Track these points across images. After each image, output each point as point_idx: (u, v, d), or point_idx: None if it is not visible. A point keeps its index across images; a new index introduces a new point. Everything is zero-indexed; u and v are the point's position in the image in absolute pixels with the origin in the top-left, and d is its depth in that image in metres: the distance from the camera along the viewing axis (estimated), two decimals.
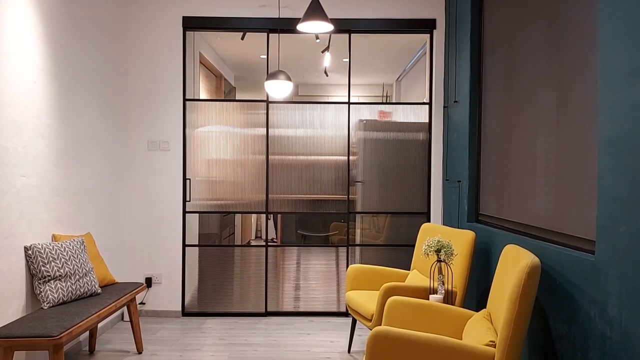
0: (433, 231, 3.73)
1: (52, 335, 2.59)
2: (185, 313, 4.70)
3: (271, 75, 4.38)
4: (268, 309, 4.71)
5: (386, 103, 4.76)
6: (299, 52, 4.78)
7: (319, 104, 4.73)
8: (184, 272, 4.67)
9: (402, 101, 4.87)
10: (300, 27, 3.56)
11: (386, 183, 4.73)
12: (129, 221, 4.58)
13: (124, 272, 4.55)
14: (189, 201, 4.68)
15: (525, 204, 3.01)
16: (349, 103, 4.72)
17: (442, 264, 3.16)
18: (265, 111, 4.71)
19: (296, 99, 4.77)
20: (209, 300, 4.79)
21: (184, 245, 4.67)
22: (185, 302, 4.74)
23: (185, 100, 4.66)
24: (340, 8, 4.59)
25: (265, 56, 4.75)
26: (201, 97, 5.10)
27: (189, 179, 4.68)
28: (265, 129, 4.70)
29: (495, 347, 2.21)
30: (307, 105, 4.72)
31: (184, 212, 4.65)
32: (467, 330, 2.60)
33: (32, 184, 3.10)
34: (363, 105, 4.74)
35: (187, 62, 4.74)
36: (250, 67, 6.97)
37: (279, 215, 4.78)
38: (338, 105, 4.72)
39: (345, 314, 4.69)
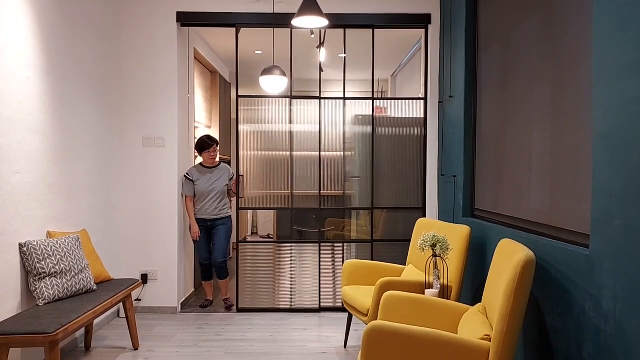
0: (429, 226, 3.74)
1: (48, 332, 2.58)
2: (181, 309, 4.70)
3: (266, 71, 4.38)
4: (265, 305, 4.71)
5: (381, 99, 4.75)
6: (294, 48, 4.76)
7: (314, 100, 4.71)
8: (179, 268, 4.66)
9: (397, 96, 4.86)
10: (294, 22, 3.55)
11: (382, 178, 4.73)
12: (124, 218, 4.57)
13: (120, 268, 4.54)
14: None
15: (520, 198, 3.02)
16: (344, 98, 4.70)
17: (438, 258, 3.17)
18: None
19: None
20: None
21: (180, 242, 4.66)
22: (182, 299, 4.74)
23: (180, 96, 4.64)
24: (335, 3, 4.57)
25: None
26: (196, 93, 5.09)
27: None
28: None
29: (490, 341, 2.22)
30: (302, 100, 4.70)
31: (180, 208, 4.64)
32: (462, 324, 2.61)
33: (27, 180, 3.08)
34: (358, 100, 4.73)
35: (182, 58, 4.72)
36: (246, 63, 6.95)
37: (275, 211, 4.77)
38: (332, 100, 4.70)
39: (341, 310, 4.69)
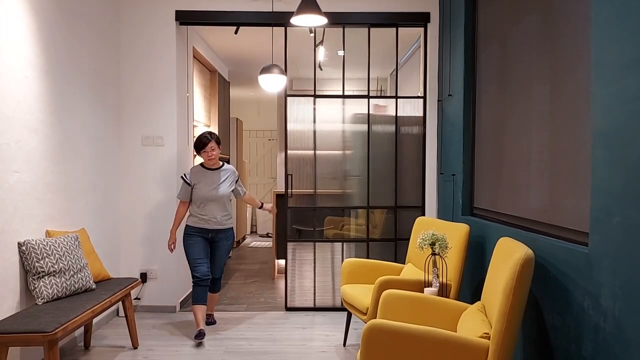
0: (428, 225, 3.74)
1: (47, 331, 2.58)
2: (180, 308, 4.70)
3: (265, 69, 4.37)
4: (264, 304, 4.71)
5: (380, 97, 4.74)
6: (293, 47, 4.76)
7: (312, 98, 4.69)
8: (179, 267, 4.65)
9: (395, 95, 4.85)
10: (293, 20, 3.55)
11: (381, 177, 4.73)
12: (123, 216, 4.56)
13: (119, 267, 4.53)
14: None
15: (519, 196, 3.02)
16: (346, 96, 4.69)
17: (437, 257, 3.17)
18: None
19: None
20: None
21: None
22: (181, 297, 4.74)
23: (179, 95, 4.63)
24: (334, 2, 4.56)
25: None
26: (195, 92, 5.08)
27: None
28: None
29: (489, 339, 2.22)
30: (302, 99, 4.69)
31: None
32: (461, 322, 2.61)
33: (26, 179, 3.08)
34: (357, 99, 4.72)
35: (181, 57, 4.71)
36: (245, 62, 6.94)
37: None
38: (331, 99, 4.69)
39: (340, 309, 4.69)
